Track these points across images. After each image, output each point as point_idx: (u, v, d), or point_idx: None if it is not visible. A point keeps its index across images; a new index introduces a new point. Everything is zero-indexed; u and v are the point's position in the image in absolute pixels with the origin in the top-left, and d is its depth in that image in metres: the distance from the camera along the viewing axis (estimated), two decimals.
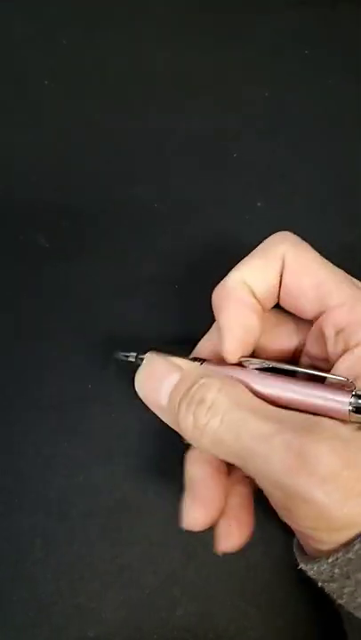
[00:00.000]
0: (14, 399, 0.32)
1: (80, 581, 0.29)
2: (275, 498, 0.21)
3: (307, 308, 0.24)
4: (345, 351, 0.23)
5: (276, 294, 0.25)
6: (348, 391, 0.21)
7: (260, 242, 0.36)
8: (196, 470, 0.25)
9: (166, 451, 0.31)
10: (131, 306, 0.34)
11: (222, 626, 0.29)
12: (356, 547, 0.19)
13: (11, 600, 0.29)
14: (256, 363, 0.24)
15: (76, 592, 0.29)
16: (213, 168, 0.37)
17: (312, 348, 0.25)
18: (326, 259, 0.35)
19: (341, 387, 0.22)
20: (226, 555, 0.25)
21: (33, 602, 0.29)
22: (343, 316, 0.23)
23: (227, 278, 0.25)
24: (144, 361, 0.25)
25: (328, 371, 0.23)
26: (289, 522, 0.21)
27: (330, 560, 0.20)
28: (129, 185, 0.37)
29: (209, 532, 0.30)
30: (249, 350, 0.25)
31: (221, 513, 0.24)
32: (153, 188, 0.36)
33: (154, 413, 0.25)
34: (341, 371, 0.22)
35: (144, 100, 0.39)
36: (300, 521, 0.20)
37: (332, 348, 0.23)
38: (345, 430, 0.21)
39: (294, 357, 0.27)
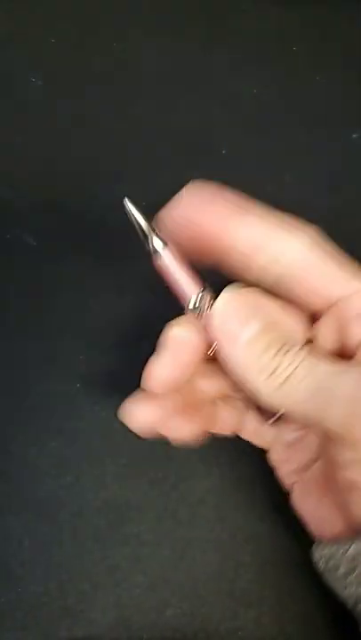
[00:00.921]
0: (1, 399, 0.32)
1: (69, 582, 0.29)
2: (340, 435, 0.21)
3: (319, 295, 0.23)
4: None
5: None
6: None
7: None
8: (178, 344, 0.24)
9: (155, 451, 0.30)
10: (119, 305, 0.34)
11: (212, 626, 0.29)
12: None
13: None
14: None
15: (65, 593, 0.29)
16: (202, 165, 0.37)
17: (327, 338, 0.24)
18: None
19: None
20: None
21: (21, 603, 0.29)
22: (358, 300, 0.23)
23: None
24: (231, 290, 0.23)
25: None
26: (350, 469, 0.21)
27: None
28: (116, 183, 0.36)
29: (200, 533, 0.30)
30: (178, 386, 0.24)
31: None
32: (141, 187, 0.36)
33: None
34: None
35: (132, 99, 0.39)
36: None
37: (355, 330, 0.23)
38: None
39: None
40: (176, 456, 0.31)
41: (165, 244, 0.24)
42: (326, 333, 0.24)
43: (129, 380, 0.25)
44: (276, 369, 0.21)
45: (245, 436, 0.27)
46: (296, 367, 0.21)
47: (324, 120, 0.38)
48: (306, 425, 0.25)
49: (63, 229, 0.35)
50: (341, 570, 0.21)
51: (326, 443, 0.24)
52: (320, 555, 0.22)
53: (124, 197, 0.25)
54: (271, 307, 0.23)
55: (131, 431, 0.31)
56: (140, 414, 0.24)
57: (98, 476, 0.31)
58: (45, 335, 0.33)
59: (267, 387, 0.21)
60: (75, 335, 0.33)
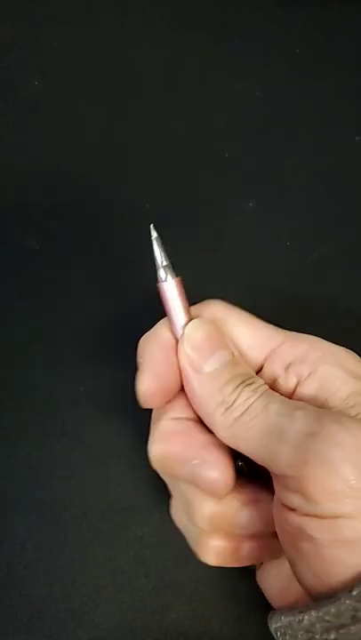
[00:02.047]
0: (6, 401, 0.32)
1: (73, 585, 0.29)
2: (290, 476, 0.20)
3: (250, 357, 0.25)
4: (298, 382, 0.23)
5: None
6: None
7: (252, 242, 0.36)
8: (154, 350, 0.24)
9: None
10: (121, 306, 0.34)
11: (216, 629, 0.29)
12: None
13: (3, 604, 0.29)
14: None
15: (68, 596, 0.29)
16: (204, 168, 0.37)
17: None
18: (319, 259, 0.35)
19: None
20: None
21: (25, 606, 0.29)
22: (288, 350, 0.24)
23: (158, 325, 0.25)
24: (199, 322, 0.24)
25: None
26: (300, 520, 0.20)
27: (354, 593, 0.18)
28: (119, 186, 0.36)
29: None
30: (169, 395, 0.24)
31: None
32: (143, 189, 0.36)
33: (146, 415, 0.25)
34: (308, 398, 0.23)
35: (134, 101, 0.39)
36: (317, 503, 0.19)
37: (284, 383, 0.24)
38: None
39: None
40: None
41: (173, 276, 0.24)
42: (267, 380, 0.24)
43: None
44: (232, 403, 0.21)
45: None
46: (252, 403, 0.21)
47: (327, 122, 0.38)
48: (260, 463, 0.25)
49: (65, 231, 0.35)
50: None
51: (277, 490, 0.22)
52: (275, 627, 0.21)
53: (149, 224, 0.26)
54: (243, 334, 0.24)
55: (133, 434, 0.31)
56: None
57: (101, 478, 0.31)
58: (48, 338, 0.33)
59: (222, 422, 0.21)
60: (78, 338, 0.33)
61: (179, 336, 0.24)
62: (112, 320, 0.34)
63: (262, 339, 0.25)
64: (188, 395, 0.23)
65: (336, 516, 0.19)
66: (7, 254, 0.35)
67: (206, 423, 0.23)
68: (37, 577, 0.29)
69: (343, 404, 0.22)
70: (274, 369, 0.24)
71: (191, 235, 0.35)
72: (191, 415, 0.24)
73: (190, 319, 0.24)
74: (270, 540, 0.24)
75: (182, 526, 0.26)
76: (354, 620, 0.18)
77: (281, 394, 0.23)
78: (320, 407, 0.22)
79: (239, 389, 0.22)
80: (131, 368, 0.30)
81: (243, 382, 0.22)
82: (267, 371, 0.24)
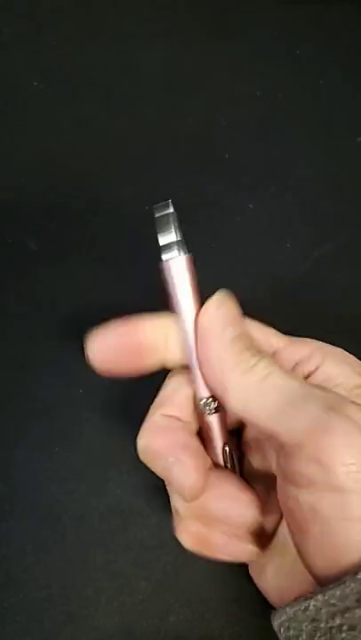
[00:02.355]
0: (5, 403, 0.32)
1: (72, 588, 0.29)
2: (300, 435, 0.20)
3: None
4: (307, 377, 0.24)
5: None
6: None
7: (252, 244, 0.36)
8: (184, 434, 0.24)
9: None
10: (121, 308, 0.33)
11: (216, 632, 0.29)
12: None
13: (2, 607, 0.29)
14: None
15: (68, 599, 0.29)
16: (205, 169, 0.37)
17: None
18: (319, 260, 0.35)
19: None
20: None
21: (24, 609, 0.29)
22: (293, 351, 0.25)
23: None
24: (223, 294, 0.24)
25: None
26: (306, 471, 0.20)
27: (359, 575, 0.19)
28: (119, 186, 0.36)
29: None
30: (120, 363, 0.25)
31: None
32: (143, 190, 0.36)
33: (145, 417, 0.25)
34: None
35: (134, 101, 0.39)
36: (334, 459, 0.19)
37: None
38: None
39: None
40: None
41: (185, 253, 0.24)
42: None
43: (131, 386, 0.24)
44: (253, 366, 0.22)
45: None
46: (273, 371, 0.22)
47: (328, 123, 0.38)
48: (262, 434, 0.25)
49: (64, 232, 0.35)
50: (304, 635, 0.20)
51: (287, 465, 0.22)
52: (279, 622, 0.21)
53: (168, 199, 0.26)
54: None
55: (133, 436, 0.31)
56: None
57: (101, 481, 0.30)
58: (46, 340, 0.33)
59: (239, 383, 0.22)
60: (77, 339, 0.33)
61: (186, 319, 0.24)
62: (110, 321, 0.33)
63: (268, 338, 0.25)
64: (203, 359, 0.23)
65: (348, 491, 0.19)
66: (6, 255, 0.35)
67: (217, 389, 0.23)
68: (37, 579, 0.29)
69: (349, 396, 0.22)
70: (282, 363, 0.24)
71: (191, 235, 0.35)
72: (183, 415, 0.24)
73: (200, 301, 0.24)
74: (245, 540, 0.25)
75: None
76: (359, 602, 0.18)
77: None
78: None
79: (258, 357, 0.22)
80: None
81: (258, 352, 0.22)
82: None
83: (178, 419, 0.24)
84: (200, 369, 0.24)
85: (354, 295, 0.34)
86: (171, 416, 0.24)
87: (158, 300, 0.34)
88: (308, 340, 0.25)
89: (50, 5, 0.42)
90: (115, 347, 0.25)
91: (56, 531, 0.30)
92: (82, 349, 0.33)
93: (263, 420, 0.21)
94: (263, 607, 0.28)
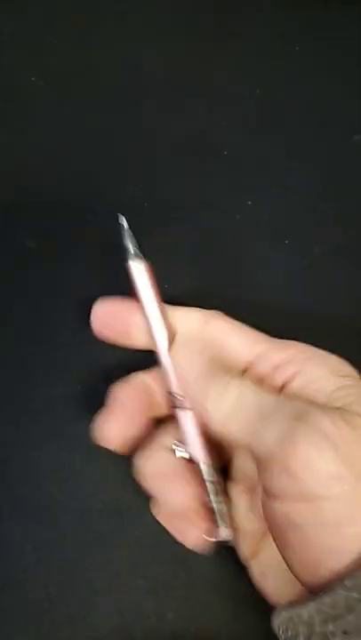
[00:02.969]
0: (3, 401, 0.32)
1: (70, 587, 0.29)
2: (269, 447, 0.21)
3: (234, 362, 0.26)
4: (285, 383, 0.25)
5: None
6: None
7: (250, 241, 0.36)
8: (123, 391, 0.27)
9: None
10: None
11: (214, 630, 0.29)
12: None
13: (0, 607, 0.29)
14: None
15: (66, 598, 0.29)
16: (203, 166, 0.37)
17: None
18: (319, 258, 0.35)
19: None
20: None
21: (23, 609, 0.29)
22: (275, 354, 0.25)
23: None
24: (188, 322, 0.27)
25: None
26: (279, 485, 0.21)
27: (347, 582, 0.19)
28: (117, 185, 0.36)
29: None
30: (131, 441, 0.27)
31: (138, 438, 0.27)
32: (142, 188, 0.36)
33: None
34: (294, 396, 0.24)
35: (133, 100, 0.38)
36: (302, 469, 0.20)
37: (271, 383, 0.25)
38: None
39: None
40: None
41: (141, 262, 0.28)
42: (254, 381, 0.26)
43: None
44: (228, 385, 0.23)
45: None
46: (245, 388, 0.23)
47: (326, 121, 0.38)
48: (241, 447, 0.26)
49: (64, 231, 0.35)
50: (301, 637, 0.20)
51: (264, 478, 0.23)
52: (278, 623, 0.22)
53: (119, 215, 0.29)
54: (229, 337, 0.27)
55: None
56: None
57: (99, 479, 0.30)
58: (45, 338, 0.33)
59: (215, 406, 0.23)
60: (76, 337, 0.33)
61: (151, 320, 0.27)
62: None
63: (249, 342, 0.26)
64: (180, 380, 0.26)
65: (318, 498, 0.20)
66: (4, 253, 0.34)
67: (197, 408, 0.25)
68: (35, 579, 0.29)
69: (328, 400, 0.23)
70: (260, 370, 0.25)
71: (190, 232, 0.35)
72: None
73: (161, 303, 0.27)
74: (191, 523, 0.26)
75: None
76: (349, 609, 0.19)
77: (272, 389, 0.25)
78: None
79: (230, 376, 0.24)
80: (128, 367, 0.30)
81: (233, 372, 0.24)
82: (253, 372, 0.26)
83: None
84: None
85: (353, 293, 0.34)
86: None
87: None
88: (291, 342, 0.26)
89: (50, 3, 0.41)
90: (111, 320, 0.28)
91: (54, 530, 0.30)
92: (82, 348, 0.33)
93: (239, 436, 0.23)
94: (260, 605, 0.28)
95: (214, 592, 0.29)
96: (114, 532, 0.30)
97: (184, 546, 0.29)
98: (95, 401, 0.32)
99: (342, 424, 0.21)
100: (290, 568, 0.22)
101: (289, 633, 0.21)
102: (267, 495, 0.22)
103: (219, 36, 0.40)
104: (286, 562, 0.22)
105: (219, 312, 0.28)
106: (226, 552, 0.29)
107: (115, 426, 0.26)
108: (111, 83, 0.39)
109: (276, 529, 0.22)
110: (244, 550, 0.27)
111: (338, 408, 0.22)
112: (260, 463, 0.22)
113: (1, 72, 0.39)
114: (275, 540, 0.23)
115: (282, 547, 0.22)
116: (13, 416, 0.32)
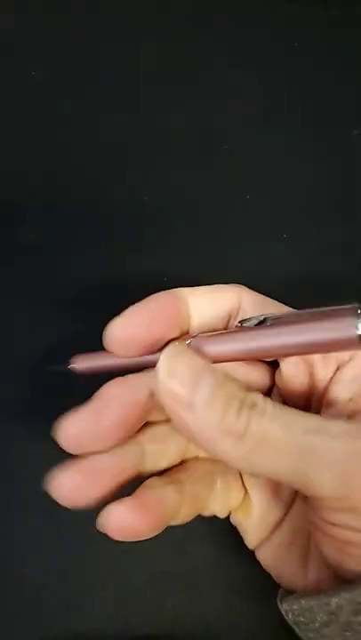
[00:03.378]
0: (3, 397, 0.32)
1: (68, 576, 0.29)
2: (334, 498, 0.19)
3: None
4: (338, 367, 0.22)
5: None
6: (352, 314, 0.20)
7: (250, 235, 0.36)
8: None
9: None
10: (119, 299, 0.33)
11: (212, 619, 0.29)
12: None
13: None
14: (253, 320, 0.22)
15: (64, 586, 0.29)
16: (203, 161, 0.37)
17: (287, 382, 0.23)
18: (316, 252, 0.35)
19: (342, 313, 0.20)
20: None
21: (21, 597, 0.29)
22: None
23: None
24: (171, 351, 0.20)
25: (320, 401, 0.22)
26: (348, 530, 0.19)
27: None
28: (117, 178, 0.36)
29: (199, 526, 0.30)
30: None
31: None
32: (141, 182, 0.36)
33: None
34: (349, 379, 0.22)
35: (132, 93, 0.39)
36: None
37: (323, 368, 0.22)
38: None
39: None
40: None
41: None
42: (290, 378, 0.23)
43: None
44: (245, 430, 0.18)
45: (208, 512, 0.26)
46: (269, 427, 0.18)
47: (325, 116, 0.38)
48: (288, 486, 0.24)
49: (64, 225, 0.35)
50: (317, 623, 0.19)
51: (316, 509, 0.20)
52: (289, 608, 0.21)
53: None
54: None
55: None
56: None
57: None
58: (46, 334, 0.33)
59: (236, 453, 0.19)
60: (75, 331, 0.33)
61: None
62: (108, 313, 0.33)
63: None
64: (184, 433, 0.20)
65: None
66: (4, 250, 0.35)
67: (214, 456, 0.20)
68: (33, 567, 0.29)
69: None
70: (305, 359, 0.22)
71: (190, 227, 0.35)
72: None
73: None
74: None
75: None
76: None
77: (317, 378, 0.22)
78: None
79: (245, 414, 0.19)
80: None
81: (242, 404, 0.19)
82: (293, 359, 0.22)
83: None
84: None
85: (351, 287, 0.34)
86: None
87: (157, 291, 0.34)
88: None
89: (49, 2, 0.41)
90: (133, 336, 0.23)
91: (53, 520, 0.30)
92: (82, 343, 0.34)
93: (279, 478, 0.19)
94: (259, 593, 0.28)
95: (213, 580, 0.29)
96: None
97: (183, 535, 0.29)
98: (94, 393, 0.32)
99: None
100: (326, 558, 0.21)
101: (300, 619, 0.20)
102: (324, 522, 0.20)
103: (218, 27, 0.41)
104: (324, 554, 0.21)
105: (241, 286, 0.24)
106: (225, 540, 0.29)
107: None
108: (108, 77, 0.39)
109: (330, 542, 0.20)
110: (257, 534, 0.25)
111: None
112: (312, 499, 0.20)
113: (0, 67, 0.39)
114: (317, 541, 0.21)
115: (323, 546, 0.21)
116: (11, 408, 0.32)
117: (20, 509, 0.30)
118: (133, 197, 0.36)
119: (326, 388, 0.22)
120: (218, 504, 0.25)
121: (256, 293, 0.24)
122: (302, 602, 0.20)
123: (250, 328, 0.21)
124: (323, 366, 0.22)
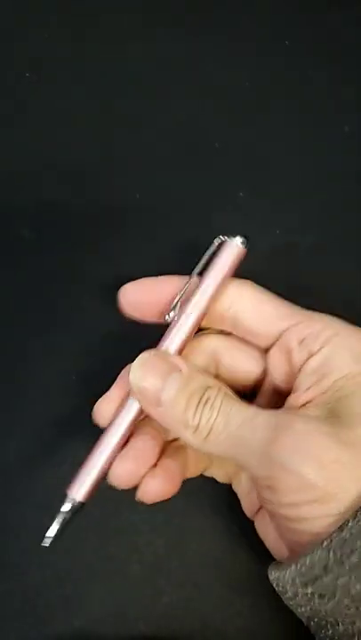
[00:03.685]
0: (0, 392, 0.32)
1: (66, 571, 0.29)
2: (260, 477, 0.22)
3: (265, 331, 0.26)
4: (310, 356, 0.25)
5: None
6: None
7: (242, 231, 0.36)
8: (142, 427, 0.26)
9: None
10: (114, 298, 0.34)
11: (208, 614, 0.29)
12: (350, 524, 0.20)
13: None
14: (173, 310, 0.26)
15: (62, 582, 0.29)
16: (195, 158, 0.37)
17: (275, 366, 0.27)
18: (308, 248, 0.35)
19: None
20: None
21: (18, 592, 0.29)
22: (304, 327, 0.25)
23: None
24: (142, 356, 0.25)
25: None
26: (273, 504, 0.22)
27: (324, 544, 0.20)
28: (110, 176, 0.37)
29: (195, 522, 0.31)
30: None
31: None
32: (134, 179, 0.36)
33: None
34: (310, 370, 0.24)
35: (124, 91, 0.39)
36: (284, 496, 0.21)
37: (298, 356, 0.25)
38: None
39: (258, 382, 0.28)
40: None
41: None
42: (276, 364, 0.26)
43: None
44: (198, 425, 0.23)
45: (208, 473, 0.29)
46: (214, 421, 0.23)
47: (316, 113, 0.38)
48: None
49: (59, 223, 0.36)
50: (289, 593, 0.22)
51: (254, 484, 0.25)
52: (273, 577, 0.23)
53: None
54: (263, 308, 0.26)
55: None
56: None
57: None
58: (44, 330, 0.33)
59: (195, 440, 0.23)
60: (71, 328, 0.33)
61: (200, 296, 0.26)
62: (104, 312, 0.34)
63: (282, 314, 0.26)
64: (155, 420, 0.25)
65: (298, 504, 0.21)
66: (4, 249, 0.35)
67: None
68: (31, 563, 0.29)
69: (341, 383, 0.23)
70: (289, 341, 0.25)
71: (181, 224, 0.36)
72: None
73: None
74: None
75: None
76: (326, 570, 0.20)
77: (293, 365, 0.25)
78: (320, 381, 0.24)
79: (200, 410, 0.23)
80: (124, 359, 0.30)
81: (200, 401, 0.23)
82: (283, 342, 0.26)
83: None
84: None
85: (343, 283, 0.35)
86: None
87: None
88: (325, 316, 0.26)
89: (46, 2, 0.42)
90: (140, 299, 0.27)
91: (49, 515, 0.30)
92: (82, 343, 0.34)
93: (227, 460, 0.25)
94: (254, 588, 0.29)
95: (210, 576, 0.30)
96: (109, 517, 0.30)
97: (179, 530, 0.29)
98: (92, 387, 0.32)
99: (310, 433, 0.22)
100: (279, 535, 0.24)
101: (280, 588, 0.22)
102: (261, 497, 0.24)
103: (206, 26, 0.41)
104: (276, 529, 0.24)
105: (249, 281, 0.27)
106: (222, 537, 0.30)
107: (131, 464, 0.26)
108: (100, 74, 0.39)
109: (270, 517, 0.24)
110: (249, 504, 0.28)
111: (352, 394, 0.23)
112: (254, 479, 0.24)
113: None
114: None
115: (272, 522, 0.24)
116: (9, 404, 0.32)
117: (16, 506, 0.30)
118: (126, 195, 0.36)
119: (295, 376, 0.25)
120: (214, 469, 0.28)
121: (261, 289, 0.27)
122: (272, 572, 0.23)
123: (172, 319, 0.26)
124: (297, 354, 0.25)
